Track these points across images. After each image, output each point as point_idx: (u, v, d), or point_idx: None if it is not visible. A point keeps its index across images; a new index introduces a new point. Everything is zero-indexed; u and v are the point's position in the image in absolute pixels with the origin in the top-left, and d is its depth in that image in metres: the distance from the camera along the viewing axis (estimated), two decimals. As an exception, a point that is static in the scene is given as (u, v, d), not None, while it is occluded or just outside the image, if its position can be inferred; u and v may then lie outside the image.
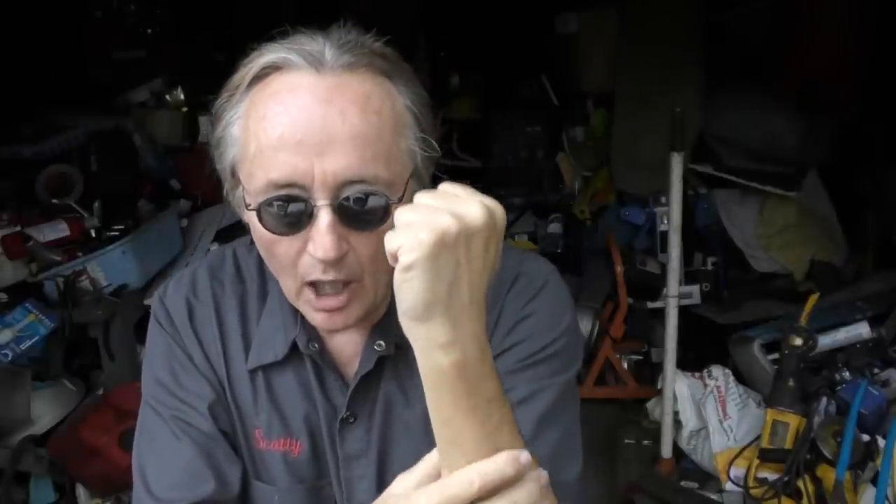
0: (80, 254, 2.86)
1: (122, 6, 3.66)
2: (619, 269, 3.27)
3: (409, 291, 0.70)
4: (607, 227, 3.64)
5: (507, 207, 4.23)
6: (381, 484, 0.98)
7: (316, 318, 0.91)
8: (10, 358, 2.62)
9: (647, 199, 3.51)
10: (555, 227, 3.77)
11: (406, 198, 0.87)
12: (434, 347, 0.72)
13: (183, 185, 3.43)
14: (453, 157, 3.95)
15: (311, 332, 0.98)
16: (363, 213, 0.84)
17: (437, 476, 0.77)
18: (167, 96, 3.59)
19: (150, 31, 3.67)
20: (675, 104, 2.71)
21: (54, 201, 3.08)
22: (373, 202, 0.84)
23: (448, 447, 0.76)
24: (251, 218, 0.87)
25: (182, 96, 3.57)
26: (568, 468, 0.95)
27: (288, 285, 0.91)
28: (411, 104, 0.89)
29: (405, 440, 0.98)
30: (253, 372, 1.00)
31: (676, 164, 2.64)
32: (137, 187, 3.34)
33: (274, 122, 0.83)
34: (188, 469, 0.95)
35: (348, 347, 1.00)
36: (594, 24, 3.66)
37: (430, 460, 0.78)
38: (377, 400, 0.99)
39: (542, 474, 0.74)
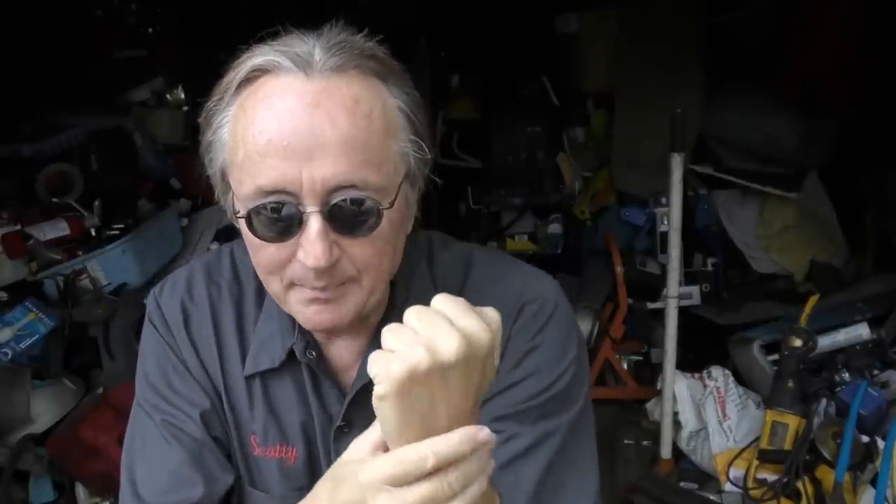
0: (80, 253, 2.86)
1: (122, 5, 3.66)
2: (619, 269, 3.27)
3: (382, 419, 0.69)
4: (607, 227, 3.64)
5: (507, 207, 4.23)
6: None
7: (306, 315, 0.89)
8: (9, 357, 2.62)
9: (648, 199, 3.51)
10: (555, 228, 3.77)
11: (399, 201, 0.85)
12: None
13: (183, 184, 3.43)
14: (453, 157, 3.96)
15: (308, 338, 0.96)
16: (354, 219, 0.82)
17: None
18: (168, 95, 3.59)
19: (150, 30, 3.67)
20: (676, 105, 2.71)
21: (54, 200, 3.08)
22: (364, 208, 0.82)
23: None
24: (241, 224, 0.86)
25: (182, 95, 3.57)
26: None
27: (274, 288, 0.89)
28: (403, 105, 0.86)
29: None
30: (249, 378, 0.99)
31: (677, 164, 2.64)
32: (137, 186, 3.34)
33: (261, 127, 0.81)
34: (176, 474, 0.94)
35: (346, 354, 0.98)
36: (594, 24, 3.66)
37: None
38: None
39: (492, 437, 0.72)
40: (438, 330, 0.67)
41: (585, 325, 3.21)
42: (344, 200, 0.81)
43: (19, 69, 3.28)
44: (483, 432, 0.70)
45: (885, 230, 3.35)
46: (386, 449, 0.74)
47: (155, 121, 3.53)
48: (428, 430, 0.68)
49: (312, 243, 0.81)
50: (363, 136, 0.81)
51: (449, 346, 0.66)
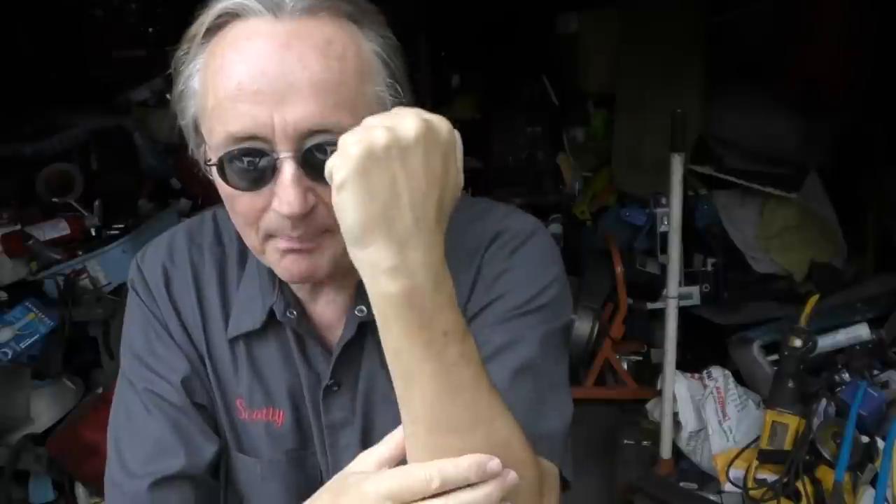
0: (80, 252, 2.87)
1: (122, 5, 3.67)
2: (619, 269, 3.27)
3: (344, 211, 0.68)
4: (607, 227, 3.64)
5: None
6: None
7: (282, 265, 0.86)
8: (9, 357, 2.62)
9: (648, 199, 3.51)
10: (555, 228, 3.77)
11: None
12: (378, 273, 0.69)
13: (183, 183, 3.43)
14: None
15: (289, 297, 0.94)
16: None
17: (399, 456, 0.75)
18: (168, 95, 3.58)
19: (150, 30, 3.68)
20: (676, 105, 2.71)
21: (55, 200, 3.09)
22: None
23: (403, 384, 0.73)
24: (214, 174, 0.83)
25: (183, 95, 3.57)
26: (549, 419, 0.89)
27: (252, 240, 0.87)
28: (378, 49, 0.83)
29: (389, 408, 0.91)
30: (233, 340, 0.97)
31: (677, 165, 2.64)
32: (138, 186, 3.35)
33: (230, 72, 0.78)
34: (158, 443, 0.92)
35: (329, 312, 0.95)
36: (594, 24, 3.67)
37: (394, 439, 0.76)
38: (361, 367, 0.95)
39: (510, 477, 0.71)
40: (395, 116, 0.68)
41: (585, 325, 3.20)
42: (318, 145, 0.78)
43: (19, 69, 3.28)
44: (493, 462, 0.70)
45: (886, 230, 3.35)
46: (392, 465, 0.74)
47: (155, 120, 3.53)
48: (390, 224, 0.67)
49: (287, 190, 0.78)
50: (336, 79, 0.78)
51: (406, 125, 0.67)
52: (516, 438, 0.76)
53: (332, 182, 0.68)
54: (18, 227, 2.83)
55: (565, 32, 3.76)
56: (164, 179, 3.46)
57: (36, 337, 2.67)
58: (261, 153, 0.79)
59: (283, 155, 0.79)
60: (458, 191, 0.73)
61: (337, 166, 0.67)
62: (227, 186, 0.82)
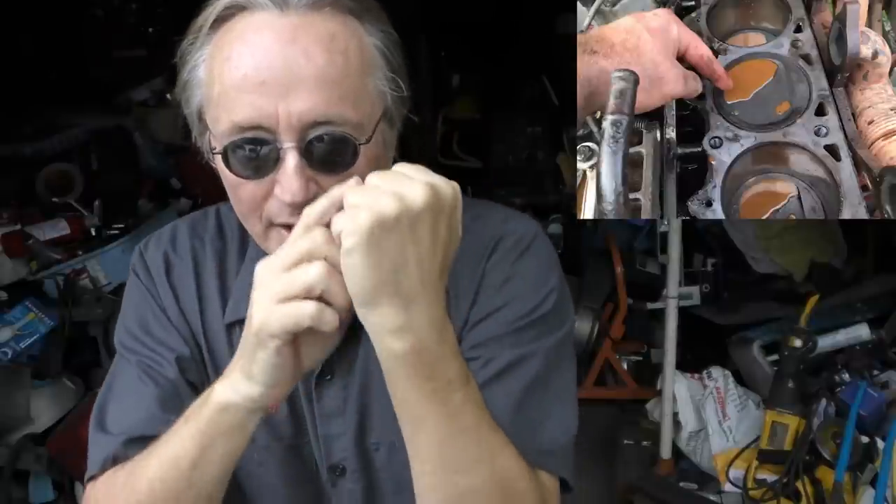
0: (80, 252, 2.87)
1: (122, 5, 3.67)
2: (619, 269, 3.27)
3: (353, 276, 0.70)
4: (607, 227, 3.64)
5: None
6: (362, 441, 0.97)
7: None
8: (9, 357, 2.62)
9: (648, 199, 3.51)
10: (555, 228, 3.77)
11: (376, 139, 0.85)
12: (385, 332, 0.73)
13: (183, 183, 3.44)
14: (453, 157, 3.96)
15: None
16: (331, 156, 0.82)
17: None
18: (168, 95, 3.59)
19: (150, 29, 3.68)
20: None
21: (55, 200, 3.09)
22: (340, 144, 0.82)
23: (410, 429, 0.77)
24: (218, 162, 0.86)
25: (183, 95, 3.57)
26: (555, 433, 0.92)
27: (255, 229, 0.89)
28: (379, 43, 0.86)
29: (385, 398, 0.93)
30: (230, 326, 0.99)
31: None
32: (138, 186, 3.35)
33: (237, 63, 0.81)
34: (149, 411, 0.93)
35: None
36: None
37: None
38: (356, 358, 0.96)
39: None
40: (402, 182, 0.70)
41: (585, 325, 3.21)
42: (320, 136, 0.81)
43: (20, 68, 3.28)
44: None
45: (885, 230, 3.35)
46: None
47: (155, 121, 3.53)
48: (397, 286, 0.70)
49: (289, 179, 0.81)
50: (339, 72, 0.81)
51: (415, 193, 0.70)
52: (517, 471, 0.80)
53: (338, 241, 0.71)
54: (18, 226, 2.83)
55: (565, 32, 3.76)
56: (164, 179, 3.47)
57: (36, 337, 2.67)
58: (264, 143, 0.81)
59: (286, 145, 0.81)
60: (457, 244, 0.76)
61: (346, 232, 0.69)
62: (230, 174, 0.85)
